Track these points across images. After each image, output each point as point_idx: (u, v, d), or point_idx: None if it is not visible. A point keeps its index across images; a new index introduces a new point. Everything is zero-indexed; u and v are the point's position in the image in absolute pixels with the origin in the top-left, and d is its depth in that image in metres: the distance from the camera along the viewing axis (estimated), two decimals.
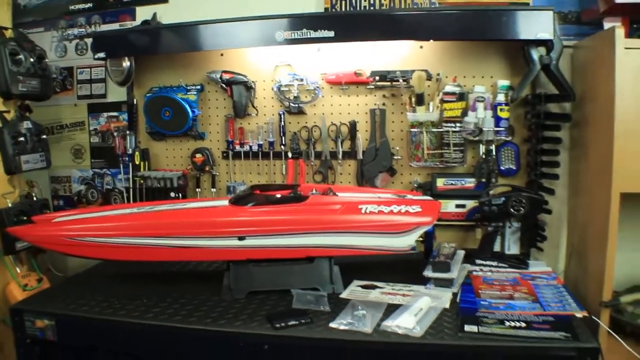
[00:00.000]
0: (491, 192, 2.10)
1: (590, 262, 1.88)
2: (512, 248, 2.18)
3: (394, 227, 1.78)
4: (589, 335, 1.45)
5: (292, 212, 1.79)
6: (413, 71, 2.15)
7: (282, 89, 2.35)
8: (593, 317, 1.62)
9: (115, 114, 2.64)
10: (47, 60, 2.29)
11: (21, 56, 2.13)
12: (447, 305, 1.68)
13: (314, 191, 2.00)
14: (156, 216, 1.83)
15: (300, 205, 1.82)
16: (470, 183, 2.22)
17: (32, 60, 2.17)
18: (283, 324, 1.57)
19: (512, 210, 1.99)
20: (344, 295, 1.80)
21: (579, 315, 1.56)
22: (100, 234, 1.77)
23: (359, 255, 1.81)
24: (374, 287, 1.87)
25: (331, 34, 2.02)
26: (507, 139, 2.17)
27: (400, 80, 2.17)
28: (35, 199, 2.29)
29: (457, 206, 2.24)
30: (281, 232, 1.76)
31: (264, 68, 2.39)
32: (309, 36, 2.04)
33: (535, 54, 1.96)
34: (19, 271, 2.23)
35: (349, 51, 2.27)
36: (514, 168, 2.20)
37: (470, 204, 2.21)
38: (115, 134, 2.58)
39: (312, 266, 1.82)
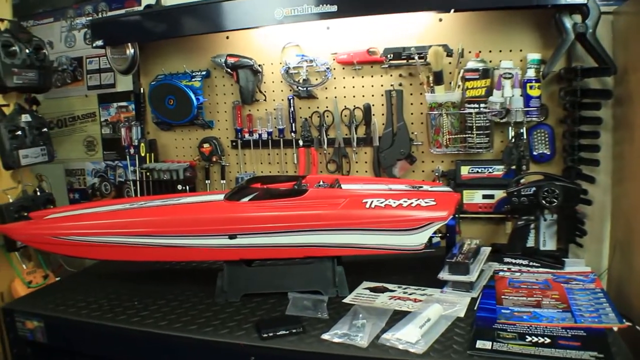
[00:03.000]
0: (522, 181, 1.85)
1: (636, 259, 1.62)
2: (548, 243, 1.93)
3: (402, 223, 1.58)
4: (628, 355, 1.20)
5: (287, 208, 1.62)
6: (430, 47, 1.92)
7: (290, 71, 2.17)
8: (638, 327, 1.37)
9: (124, 104, 2.55)
10: (45, 51, 2.20)
11: (15, 48, 2.05)
12: (462, 314, 1.47)
13: (321, 183, 1.83)
14: (143, 213, 1.71)
15: (298, 199, 1.64)
16: (498, 171, 1.98)
17: (27, 51, 2.09)
18: (271, 334, 1.41)
19: (543, 201, 1.74)
20: (347, 299, 1.62)
21: (617, 328, 1.31)
22: (84, 232, 1.67)
23: (364, 254, 1.63)
24: (383, 290, 1.68)
25: (334, 8, 1.81)
26: (540, 120, 1.90)
27: (416, 58, 1.95)
28: (38, 194, 2.22)
29: (485, 197, 2.01)
30: (276, 230, 1.60)
31: (271, 50, 2.22)
32: (310, 12, 1.84)
33: (568, 22, 1.69)
34: (24, 268, 2.18)
35: (361, 27, 2.07)
36: (548, 153, 1.93)
37: (499, 194, 1.97)
38: (124, 125, 2.48)
39: (313, 267, 1.65)
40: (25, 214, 2.06)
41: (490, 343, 1.27)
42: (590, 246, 1.92)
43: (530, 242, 1.94)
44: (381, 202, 1.61)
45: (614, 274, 1.84)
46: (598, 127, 1.79)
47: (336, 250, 1.62)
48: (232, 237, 1.61)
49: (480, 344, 1.28)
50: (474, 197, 2.02)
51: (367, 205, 1.60)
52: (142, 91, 2.41)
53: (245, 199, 1.69)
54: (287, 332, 1.42)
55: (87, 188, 2.69)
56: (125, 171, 2.56)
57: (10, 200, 2.10)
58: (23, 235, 1.77)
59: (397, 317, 1.45)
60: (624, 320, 1.34)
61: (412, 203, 1.61)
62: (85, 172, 2.70)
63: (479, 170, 2.00)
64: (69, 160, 2.71)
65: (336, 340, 1.36)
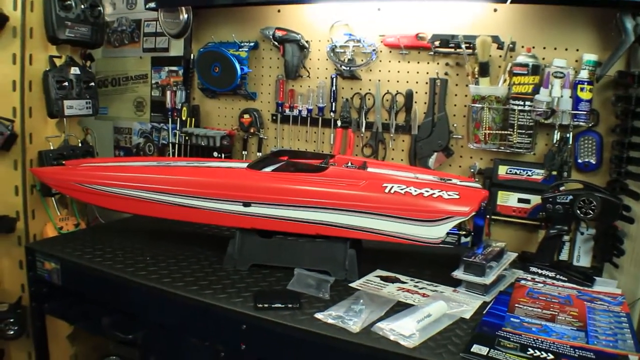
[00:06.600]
0: (562, 188, 1.73)
1: None
2: (583, 259, 1.82)
3: (420, 213, 1.51)
4: None
5: (304, 182, 1.59)
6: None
7: (336, 50, 2.13)
8: None
9: (175, 68, 2.58)
10: (100, 8, 2.24)
11: (71, 2, 2.10)
12: (468, 316, 1.39)
13: (350, 164, 1.79)
14: (165, 171, 1.72)
15: (317, 175, 1.60)
16: (538, 175, 1.86)
17: (83, 7, 2.15)
18: (266, 305, 1.39)
19: (578, 211, 1.62)
20: (355, 284, 1.58)
21: (634, 357, 1.19)
22: (104, 183, 1.71)
23: (378, 240, 1.57)
24: (394, 281, 1.62)
25: None
26: (588, 125, 1.76)
27: (463, 47, 1.85)
28: (80, 145, 2.30)
29: (520, 200, 1.90)
30: (290, 203, 1.57)
31: (320, 27, 2.18)
32: None
33: (630, 22, 1.54)
34: (58, 214, 2.26)
35: (413, 12, 2.00)
36: (594, 162, 1.79)
37: (536, 199, 1.85)
38: (169, 88, 2.51)
39: (324, 246, 1.61)
40: (63, 162, 2.14)
41: (488, 349, 1.19)
42: (629, 269, 1.77)
43: (564, 256, 1.82)
44: (401, 189, 1.54)
45: None
46: None
47: (348, 232, 1.57)
48: (246, 204, 1.60)
49: (476, 348, 1.20)
50: (509, 200, 1.91)
51: (386, 190, 1.54)
52: (192, 57, 2.44)
53: (267, 170, 1.68)
54: (283, 306, 1.39)
55: (132, 147, 2.76)
56: (170, 134, 2.61)
57: (52, 148, 2.18)
58: (51, 179, 1.83)
59: (398, 309, 1.39)
60: None
61: (433, 194, 1.53)
62: (132, 132, 2.76)
63: (518, 172, 1.89)
64: (119, 119, 2.79)
65: (329, 321, 1.32)
